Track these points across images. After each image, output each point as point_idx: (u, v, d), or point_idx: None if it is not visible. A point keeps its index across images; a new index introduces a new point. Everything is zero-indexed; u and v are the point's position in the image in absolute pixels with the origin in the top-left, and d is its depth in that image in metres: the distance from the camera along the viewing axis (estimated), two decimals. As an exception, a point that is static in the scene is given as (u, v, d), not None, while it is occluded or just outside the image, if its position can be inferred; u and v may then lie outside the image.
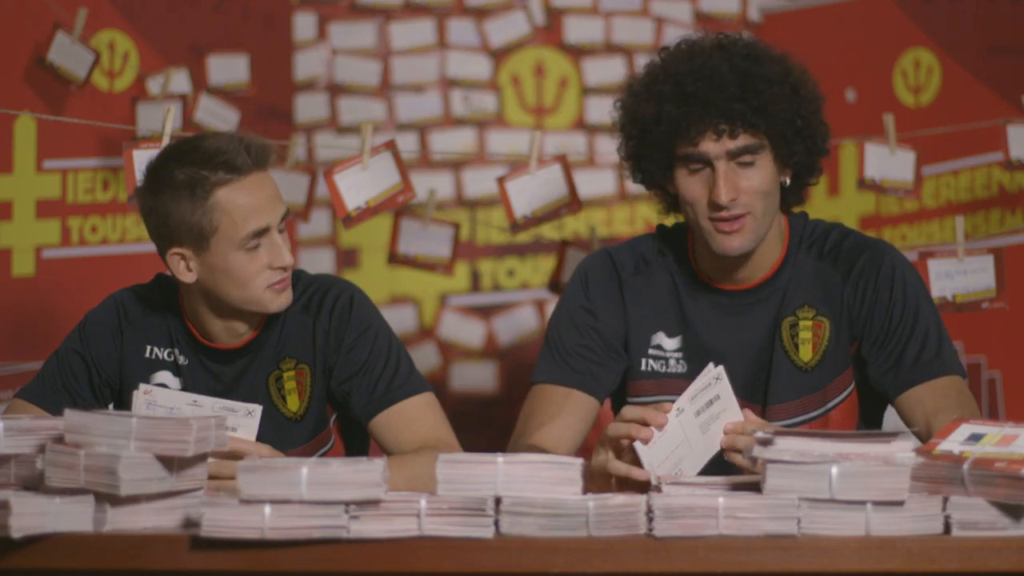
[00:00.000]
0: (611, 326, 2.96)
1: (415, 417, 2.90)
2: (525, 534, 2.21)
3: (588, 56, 5.13)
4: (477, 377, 5.05)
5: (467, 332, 5.06)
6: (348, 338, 2.92)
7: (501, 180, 3.68)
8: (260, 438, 2.81)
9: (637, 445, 2.49)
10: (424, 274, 4.09)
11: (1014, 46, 4.30)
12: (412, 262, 3.94)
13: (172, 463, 2.27)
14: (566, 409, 2.92)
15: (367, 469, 2.21)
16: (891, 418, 2.99)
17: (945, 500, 2.22)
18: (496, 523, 2.22)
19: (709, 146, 2.82)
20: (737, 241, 2.85)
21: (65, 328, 3.09)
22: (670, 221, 3.05)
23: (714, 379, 2.55)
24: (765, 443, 2.26)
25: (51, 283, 4.08)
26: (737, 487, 2.29)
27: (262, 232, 2.81)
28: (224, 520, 2.20)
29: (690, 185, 2.85)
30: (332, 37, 5.07)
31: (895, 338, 2.88)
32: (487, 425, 4.90)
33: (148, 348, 2.97)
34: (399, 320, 4.96)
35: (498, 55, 5.12)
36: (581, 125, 5.12)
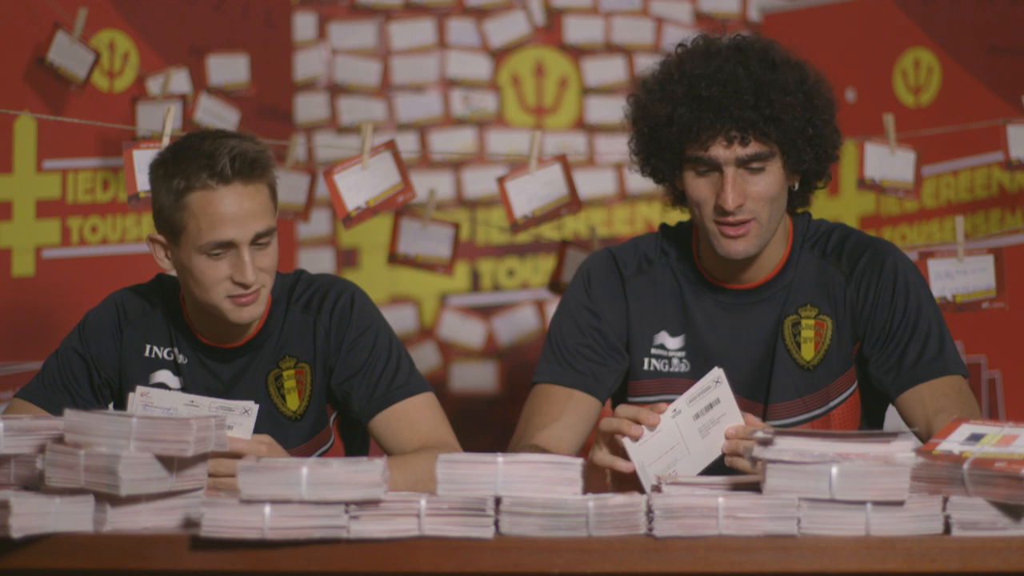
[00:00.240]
0: (613, 326, 2.96)
1: (416, 417, 2.90)
2: (525, 534, 2.21)
3: (588, 56, 5.13)
4: (477, 377, 5.05)
5: (467, 332, 5.06)
6: (349, 337, 2.92)
7: (501, 180, 3.68)
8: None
9: (626, 442, 2.49)
10: (424, 274, 4.09)
11: (1014, 46, 4.30)
12: (412, 262, 3.94)
13: (172, 463, 2.27)
14: (568, 409, 2.92)
15: (367, 469, 2.21)
16: (892, 418, 2.99)
17: (945, 500, 2.22)
18: (496, 523, 2.22)
19: (719, 152, 2.81)
20: (741, 245, 2.84)
21: (65, 328, 3.09)
22: (673, 220, 3.05)
23: (713, 382, 2.54)
24: (765, 443, 2.26)
25: (51, 283, 4.08)
26: (737, 487, 2.29)
27: (225, 244, 2.79)
28: (224, 520, 2.20)
29: (698, 187, 2.85)
30: (332, 37, 5.07)
31: (897, 337, 2.88)
32: (487, 425, 4.90)
33: (148, 347, 2.97)
34: (399, 320, 4.96)
35: (498, 55, 5.12)
36: (581, 125, 5.12)
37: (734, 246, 2.84)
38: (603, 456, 2.54)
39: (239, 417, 2.57)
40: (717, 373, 2.55)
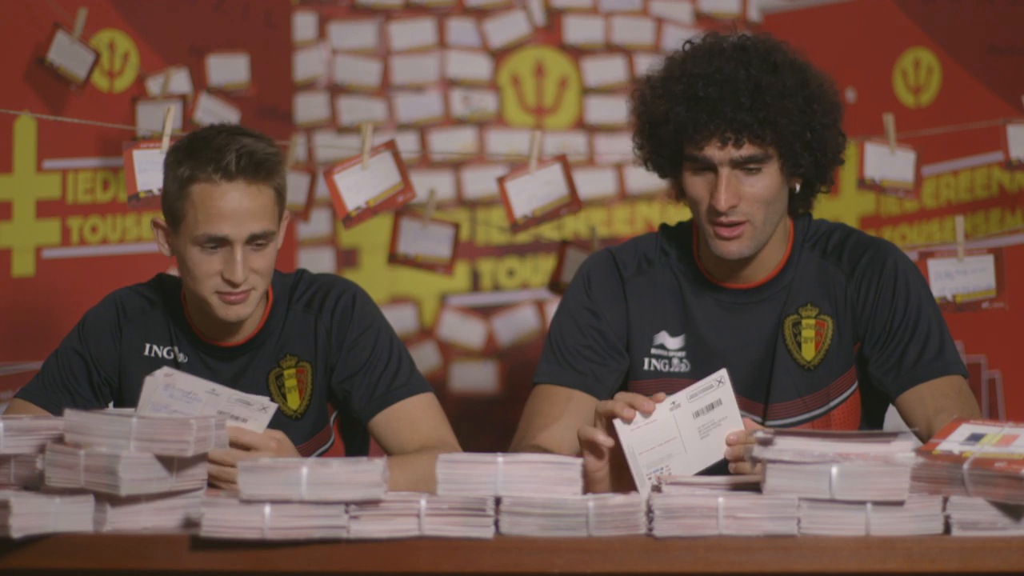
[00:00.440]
0: (613, 326, 2.96)
1: (416, 417, 2.90)
2: (525, 534, 2.21)
3: (588, 56, 5.13)
4: (477, 377, 5.05)
5: (467, 332, 5.06)
6: (350, 336, 2.92)
7: (501, 180, 3.68)
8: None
9: (617, 424, 2.48)
10: (424, 274, 4.09)
11: (1014, 46, 4.30)
12: (412, 262, 3.94)
13: (172, 463, 2.27)
14: (568, 410, 2.92)
15: (367, 469, 2.21)
16: (891, 418, 2.99)
17: (945, 500, 2.22)
18: (496, 523, 2.22)
19: (713, 152, 2.81)
20: (735, 247, 2.85)
21: (65, 328, 3.09)
22: (674, 218, 3.05)
23: (717, 382, 2.54)
24: (765, 443, 2.26)
25: (51, 283, 4.08)
26: (737, 487, 2.29)
27: (219, 240, 2.79)
28: (224, 520, 2.20)
29: (694, 185, 2.85)
30: (332, 37, 5.07)
31: (897, 337, 2.88)
32: (487, 425, 4.90)
33: (147, 346, 2.97)
34: (399, 320, 4.96)
35: (498, 55, 5.12)
36: (581, 125, 5.12)
37: (727, 247, 2.85)
38: (587, 429, 2.52)
39: (256, 412, 2.56)
40: (721, 374, 2.54)
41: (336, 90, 5.05)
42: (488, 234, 5.03)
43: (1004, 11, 4.34)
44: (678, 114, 2.82)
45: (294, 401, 2.94)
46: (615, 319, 2.97)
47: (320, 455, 2.97)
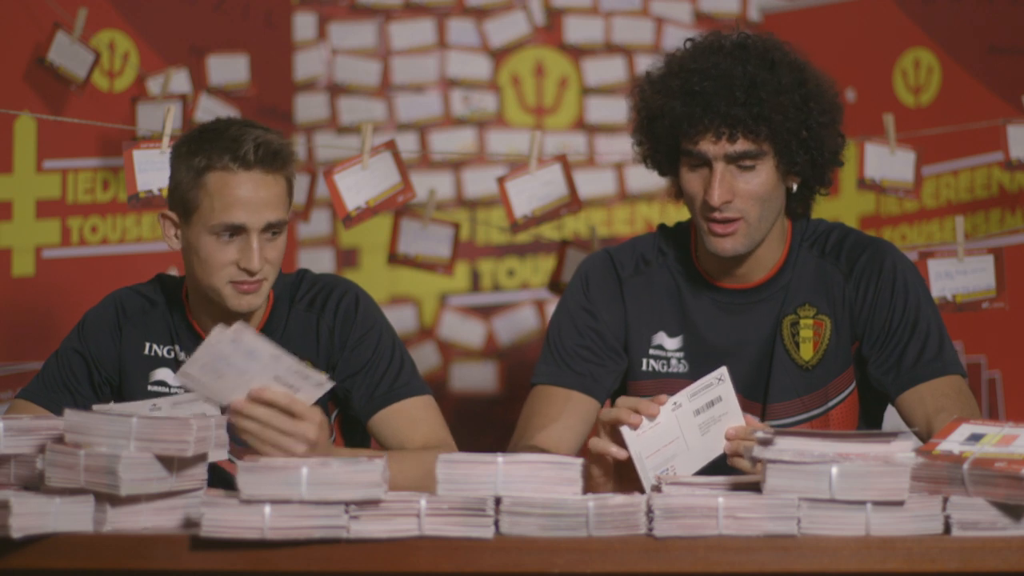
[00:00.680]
0: (611, 326, 2.96)
1: (417, 417, 2.91)
2: (525, 534, 2.21)
3: (588, 56, 5.13)
4: (477, 377, 5.05)
5: (467, 332, 5.06)
6: (353, 336, 2.93)
7: (501, 180, 3.68)
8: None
9: (624, 431, 2.49)
10: (424, 274, 4.09)
11: (1014, 46, 4.30)
12: (412, 262, 3.94)
13: (172, 463, 2.27)
14: (567, 410, 2.92)
15: (367, 469, 2.21)
16: (891, 418, 2.99)
17: (945, 500, 2.22)
18: (496, 523, 2.22)
19: (708, 147, 2.82)
20: (729, 244, 2.85)
21: (65, 328, 3.09)
22: (672, 218, 3.05)
23: (717, 380, 2.54)
24: (765, 443, 2.26)
25: (51, 283, 4.08)
26: (737, 487, 2.29)
27: (237, 228, 2.80)
28: (224, 520, 2.20)
29: (690, 181, 2.86)
30: (332, 37, 5.07)
31: (896, 337, 2.88)
32: (487, 425, 4.90)
33: (147, 345, 2.97)
34: (399, 320, 4.96)
35: (498, 55, 5.12)
36: (581, 125, 5.12)
37: (722, 244, 2.85)
38: (598, 442, 2.54)
39: (309, 386, 2.50)
40: (721, 371, 2.55)
41: (336, 90, 5.05)
42: (488, 234, 5.03)
43: (1004, 11, 4.34)
44: (673, 108, 2.83)
45: (295, 399, 2.93)
46: (613, 320, 2.97)
47: (320, 454, 2.96)
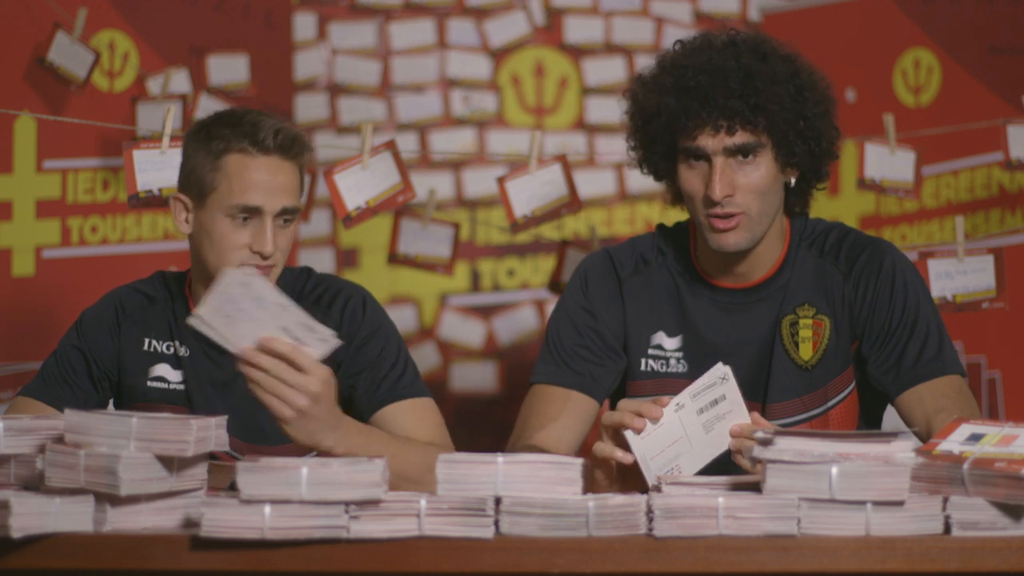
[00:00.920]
0: (610, 326, 2.96)
1: (419, 416, 2.91)
2: (525, 534, 2.21)
3: (588, 56, 5.13)
4: (477, 377, 5.05)
5: (467, 332, 5.06)
6: (360, 335, 2.94)
7: (501, 180, 3.68)
8: (264, 433, 2.86)
9: (628, 435, 2.49)
10: (424, 274, 4.09)
11: (1014, 46, 4.30)
12: (412, 262, 3.94)
13: (172, 463, 2.27)
14: (565, 410, 2.92)
15: (367, 469, 2.21)
16: (891, 418, 2.99)
17: (945, 500, 2.22)
18: (496, 523, 2.22)
19: (706, 141, 2.82)
20: (732, 239, 2.85)
21: (65, 328, 3.09)
22: (671, 220, 3.05)
23: (720, 379, 2.54)
24: (765, 443, 2.26)
25: (51, 283, 4.08)
26: (737, 487, 2.29)
27: (253, 211, 2.82)
28: (224, 520, 2.20)
29: (689, 178, 2.86)
30: (332, 37, 5.07)
31: (896, 337, 2.88)
32: (487, 425, 4.90)
33: (146, 341, 2.98)
34: (399, 320, 4.94)
35: (498, 55, 5.12)
36: (581, 125, 5.12)
37: (724, 239, 2.85)
38: (603, 447, 2.54)
39: (316, 341, 2.49)
40: (724, 370, 2.54)
41: (336, 90, 5.05)
42: (488, 234, 5.03)
43: (1004, 11, 4.34)
44: (669, 104, 2.83)
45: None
46: (612, 319, 2.97)
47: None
